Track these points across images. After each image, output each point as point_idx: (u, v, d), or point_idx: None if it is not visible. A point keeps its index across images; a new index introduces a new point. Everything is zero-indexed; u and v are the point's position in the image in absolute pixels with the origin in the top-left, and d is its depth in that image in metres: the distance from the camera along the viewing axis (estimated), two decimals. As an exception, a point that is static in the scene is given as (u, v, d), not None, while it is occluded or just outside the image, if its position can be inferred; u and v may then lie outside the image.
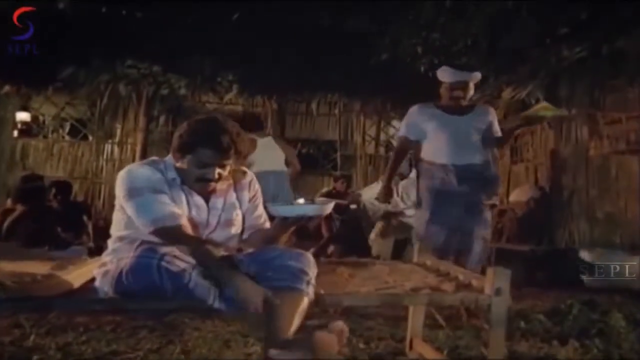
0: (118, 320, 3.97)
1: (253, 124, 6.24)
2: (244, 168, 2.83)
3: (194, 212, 2.54)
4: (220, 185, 2.58)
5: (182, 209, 2.49)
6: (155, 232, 2.37)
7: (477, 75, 4.62)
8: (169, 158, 2.59)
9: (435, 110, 4.62)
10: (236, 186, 2.70)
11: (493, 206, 5.06)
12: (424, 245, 4.14)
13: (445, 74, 4.60)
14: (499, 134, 4.65)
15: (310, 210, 2.52)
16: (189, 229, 2.45)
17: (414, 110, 4.71)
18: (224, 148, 2.45)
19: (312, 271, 2.39)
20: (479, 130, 4.54)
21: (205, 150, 2.45)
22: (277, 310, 2.23)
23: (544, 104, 4.73)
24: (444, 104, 4.63)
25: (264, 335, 2.35)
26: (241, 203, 2.70)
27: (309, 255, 2.45)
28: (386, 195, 4.91)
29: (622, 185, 7.30)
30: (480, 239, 4.50)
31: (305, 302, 2.31)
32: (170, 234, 2.37)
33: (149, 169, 2.51)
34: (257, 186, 2.78)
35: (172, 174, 2.53)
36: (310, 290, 2.34)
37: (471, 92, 4.62)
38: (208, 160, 2.47)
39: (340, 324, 2.34)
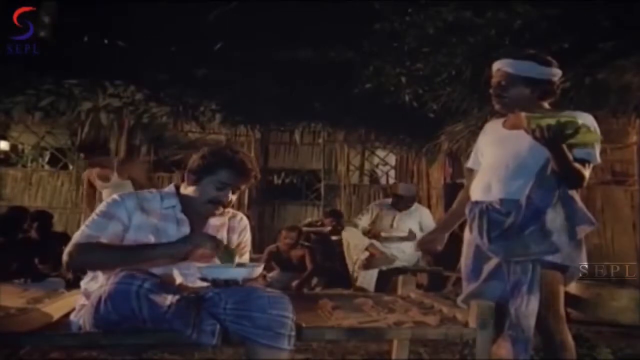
0: (94, 356, 3.85)
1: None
2: (242, 214, 2.82)
3: None
4: (214, 222, 2.62)
5: (151, 236, 2.49)
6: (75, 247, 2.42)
7: (524, 67, 2.81)
8: (170, 187, 2.65)
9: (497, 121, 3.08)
10: (229, 227, 2.71)
11: None
12: None
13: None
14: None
15: (227, 274, 2.38)
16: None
17: None
18: (245, 170, 2.54)
19: (292, 319, 2.28)
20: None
21: (226, 170, 2.51)
22: None
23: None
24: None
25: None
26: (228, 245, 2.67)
27: (287, 301, 2.32)
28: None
29: (608, 217, 7.26)
30: None
31: (286, 356, 2.26)
32: (86, 248, 2.41)
33: (129, 199, 2.53)
34: (247, 235, 2.78)
35: (170, 202, 2.57)
36: (291, 343, 2.27)
37: (515, 91, 2.83)
38: (227, 181, 2.52)
39: None
